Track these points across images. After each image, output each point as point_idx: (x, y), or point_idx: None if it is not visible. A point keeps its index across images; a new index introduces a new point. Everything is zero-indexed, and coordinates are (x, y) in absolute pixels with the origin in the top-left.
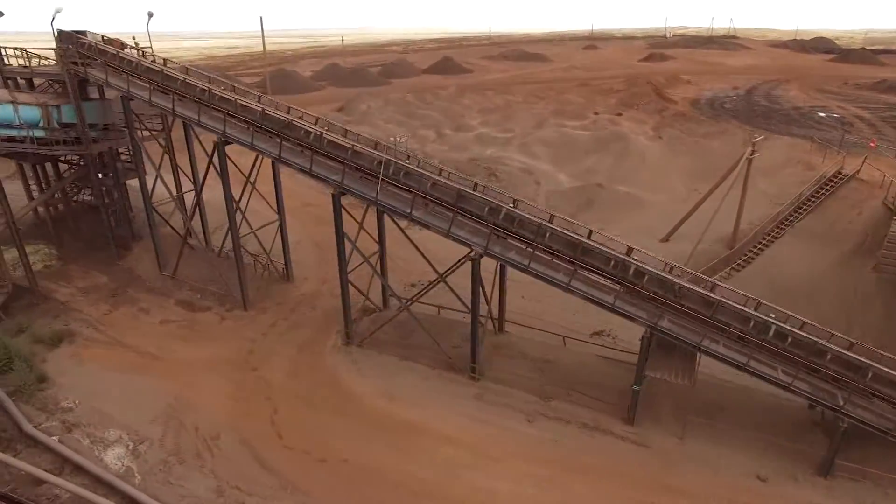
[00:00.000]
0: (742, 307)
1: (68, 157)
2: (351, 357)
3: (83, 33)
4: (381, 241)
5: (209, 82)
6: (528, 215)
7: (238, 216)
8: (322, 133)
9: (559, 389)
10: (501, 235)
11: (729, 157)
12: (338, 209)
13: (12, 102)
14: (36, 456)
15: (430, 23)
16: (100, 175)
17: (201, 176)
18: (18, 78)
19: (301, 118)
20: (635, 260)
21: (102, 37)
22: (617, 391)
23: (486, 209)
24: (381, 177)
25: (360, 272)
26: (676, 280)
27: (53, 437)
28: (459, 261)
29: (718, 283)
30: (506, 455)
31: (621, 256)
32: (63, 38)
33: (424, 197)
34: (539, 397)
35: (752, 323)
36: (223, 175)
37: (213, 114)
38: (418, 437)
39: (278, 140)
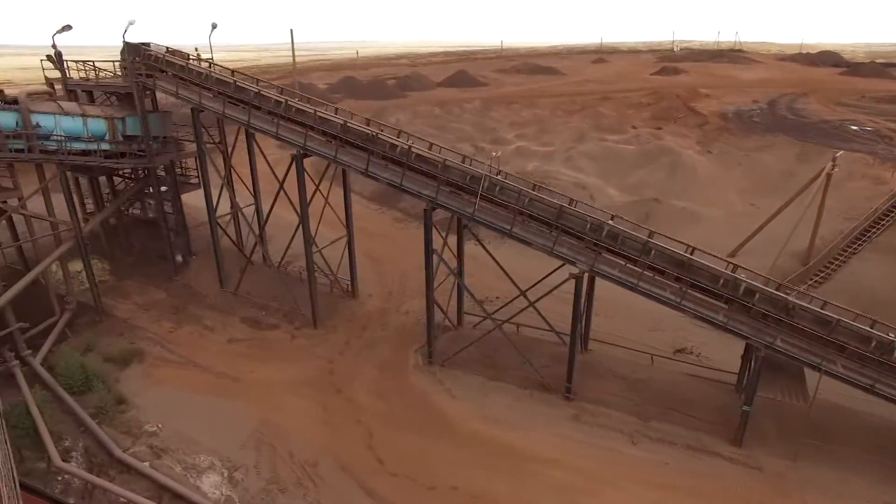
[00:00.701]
0: (860, 325)
1: (123, 171)
2: (436, 377)
3: (147, 45)
4: (459, 258)
5: (280, 93)
6: (631, 232)
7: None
8: (410, 147)
9: (656, 409)
10: (600, 252)
11: (784, 171)
12: (429, 225)
13: (82, 115)
14: (131, 482)
15: (431, 35)
16: (161, 188)
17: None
18: (79, 90)
19: (382, 130)
20: (744, 278)
21: (167, 48)
22: (714, 410)
23: (588, 225)
24: (479, 193)
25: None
26: (793, 299)
27: (144, 463)
28: (563, 281)
29: (828, 300)
30: (619, 479)
31: (731, 274)
32: (129, 49)
33: (521, 213)
34: (637, 418)
35: (873, 342)
36: (301, 189)
37: (291, 126)
38: (524, 461)
39: (365, 154)
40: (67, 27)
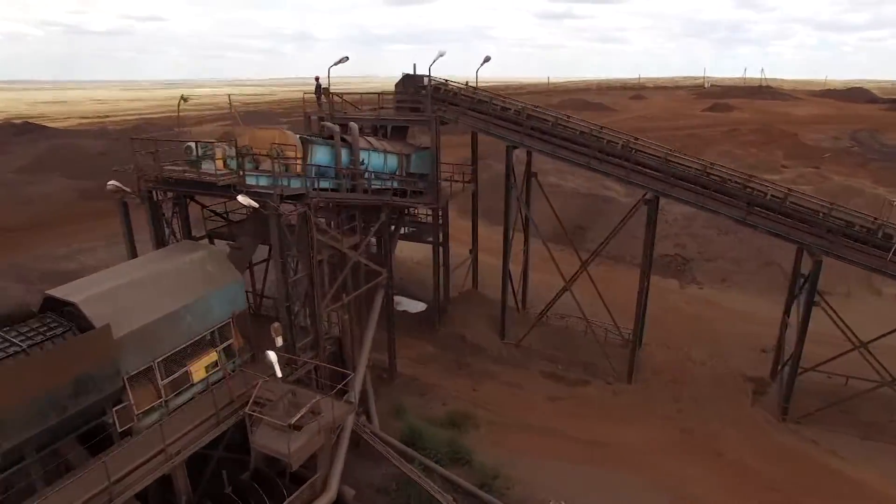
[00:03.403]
0: None
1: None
2: (802, 435)
3: (421, 77)
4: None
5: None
6: None
7: None
8: (786, 194)
9: None
10: None
11: None
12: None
13: (384, 151)
14: None
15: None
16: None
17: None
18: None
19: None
20: None
21: (445, 80)
22: None
23: None
24: None
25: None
26: None
27: None
28: None
29: None
30: None
31: None
32: (407, 81)
33: None
34: None
35: None
36: (649, 235)
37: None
38: None
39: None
40: (344, 59)
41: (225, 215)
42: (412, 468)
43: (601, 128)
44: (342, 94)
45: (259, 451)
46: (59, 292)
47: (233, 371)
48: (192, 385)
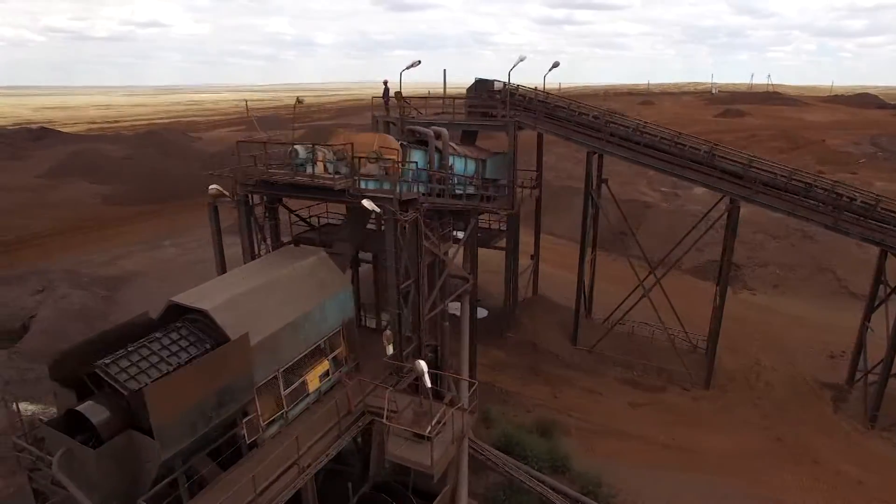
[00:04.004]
0: None
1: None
2: (892, 442)
3: (491, 82)
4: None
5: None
6: None
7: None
8: (877, 199)
9: None
10: None
11: None
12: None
13: (465, 157)
14: None
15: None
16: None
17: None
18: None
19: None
20: None
21: (517, 86)
22: None
23: None
24: None
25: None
26: None
27: None
28: None
29: None
30: None
31: None
32: (479, 86)
33: None
34: None
35: None
36: (728, 240)
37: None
38: None
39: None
40: (417, 62)
41: (307, 220)
42: (530, 476)
43: (679, 134)
44: (409, 98)
45: (378, 462)
46: (184, 300)
47: (337, 381)
48: (308, 395)
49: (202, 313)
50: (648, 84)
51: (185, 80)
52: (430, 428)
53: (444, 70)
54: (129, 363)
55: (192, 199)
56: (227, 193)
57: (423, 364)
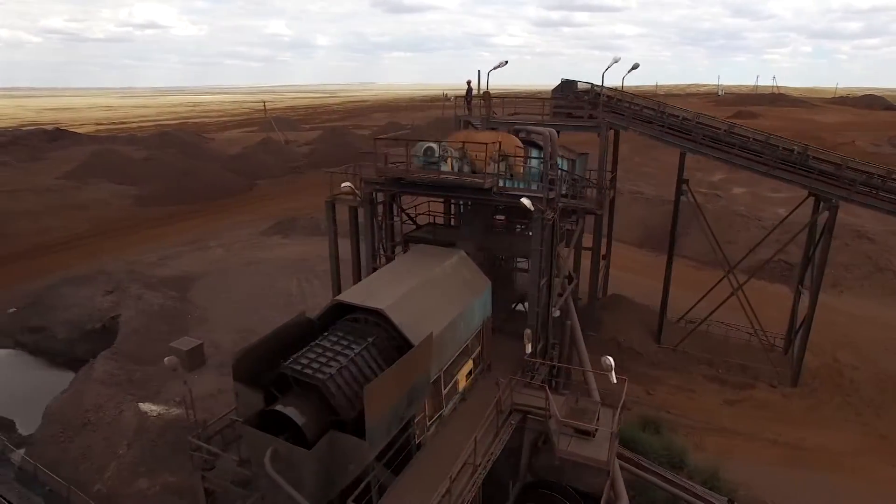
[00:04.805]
0: None
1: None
2: None
3: (575, 83)
4: None
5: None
6: None
7: None
8: None
9: None
10: None
11: None
12: None
13: (562, 157)
14: None
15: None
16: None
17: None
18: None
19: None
20: None
21: (601, 86)
22: None
23: None
24: None
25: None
26: None
27: None
28: None
29: None
30: None
31: None
32: (564, 87)
33: None
34: None
35: None
36: (825, 245)
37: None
38: None
39: None
40: (503, 63)
41: (413, 219)
42: (662, 475)
43: (769, 135)
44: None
45: (528, 459)
46: (351, 299)
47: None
48: (458, 394)
49: (376, 313)
50: (657, 85)
51: (183, 81)
52: (594, 425)
53: (479, 71)
54: (319, 363)
55: (225, 200)
56: (357, 192)
57: (609, 360)
